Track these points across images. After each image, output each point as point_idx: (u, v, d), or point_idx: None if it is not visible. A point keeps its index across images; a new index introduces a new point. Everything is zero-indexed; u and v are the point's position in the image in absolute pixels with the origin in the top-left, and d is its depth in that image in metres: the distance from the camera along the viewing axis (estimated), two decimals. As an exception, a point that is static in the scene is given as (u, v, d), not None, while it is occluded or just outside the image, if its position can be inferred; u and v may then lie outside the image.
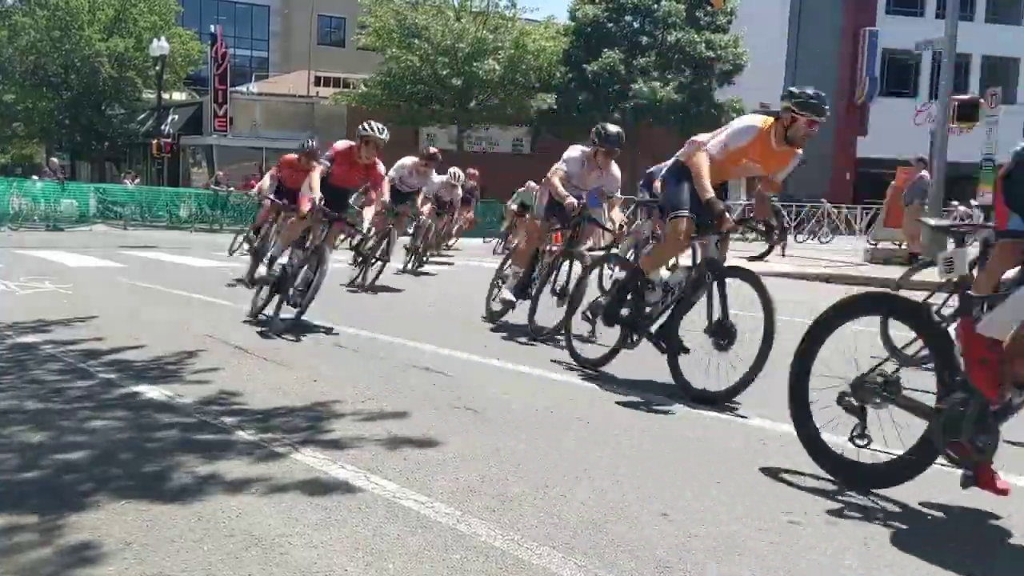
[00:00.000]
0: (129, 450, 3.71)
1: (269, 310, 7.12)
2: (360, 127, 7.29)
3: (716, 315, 4.90)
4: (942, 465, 3.31)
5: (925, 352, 3.42)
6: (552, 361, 6.02)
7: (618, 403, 4.88)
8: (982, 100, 16.79)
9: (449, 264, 14.84)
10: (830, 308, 3.69)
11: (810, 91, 4.86)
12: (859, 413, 3.44)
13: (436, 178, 12.51)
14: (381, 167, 7.45)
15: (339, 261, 12.09)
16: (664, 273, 5.45)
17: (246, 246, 11.92)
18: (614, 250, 7.23)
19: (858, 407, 3.45)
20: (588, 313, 5.91)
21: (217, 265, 13.03)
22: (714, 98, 31.67)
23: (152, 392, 4.74)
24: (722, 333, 4.84)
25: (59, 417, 4.18)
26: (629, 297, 5.48)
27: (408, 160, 11.11)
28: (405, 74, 29.86)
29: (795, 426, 3.75)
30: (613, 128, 6.93)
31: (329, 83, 35.67)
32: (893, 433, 3.40)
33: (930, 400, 3.31)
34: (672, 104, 29.72)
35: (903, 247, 17.00)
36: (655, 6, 31.64)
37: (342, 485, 3.34)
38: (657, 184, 6.80)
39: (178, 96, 36.53)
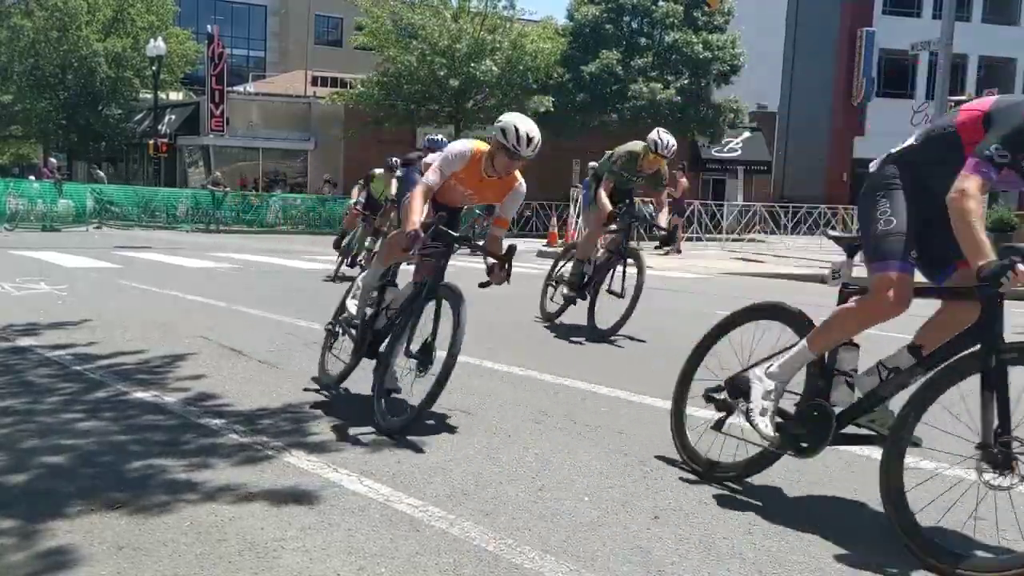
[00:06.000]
0: (121, 453, 3.70)
1: None
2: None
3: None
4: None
5: None
6: (546, 363, 6.02)
7: (613, 405, 4.87)
8: (978, 101, 16.82)
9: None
10: None
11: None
12: None
13: None
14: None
15: (321, 260, 12.18)
16: None
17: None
18: None
19: None
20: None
21: (213, 266, 13.02)
22: (712, 99, 31.69)
23: (144, 394, 4.73)
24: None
25: (50, 419, 4.17)
26: None
27: None
28: (402, 74, 29.83)
29: None
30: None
31: (326, 83, 35.65)
32: None
33: None
34: (670, 105, 29.71)
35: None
36: (654, 7, 31.63)
37: (335, 488, 3.33)
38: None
39: (175, 96, 36.47)
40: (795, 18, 40.63)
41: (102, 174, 29.07)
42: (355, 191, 11.72)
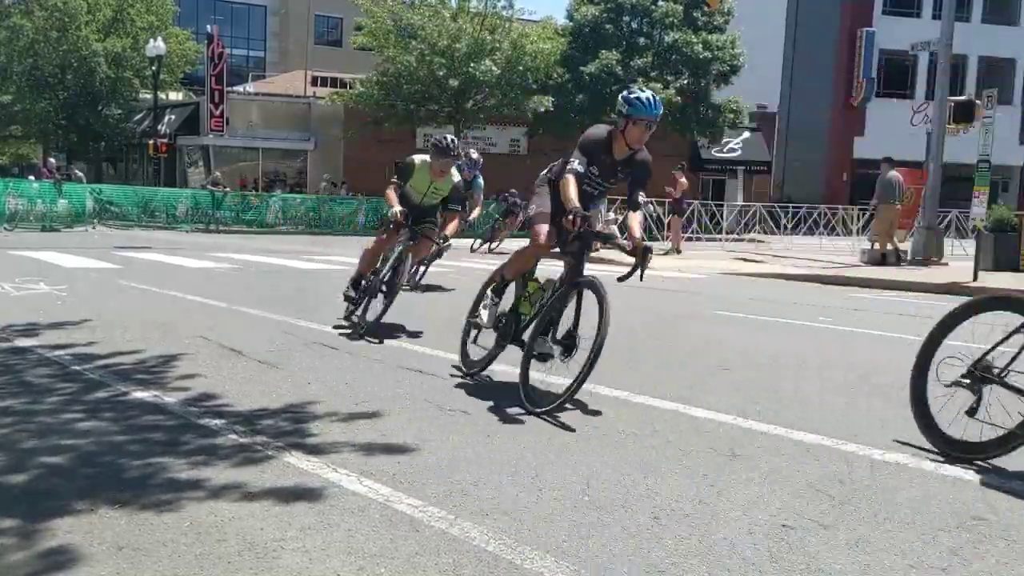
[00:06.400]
0: (121, 453, 3.70)
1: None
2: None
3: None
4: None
5: None
6: (546, 364, 6.00)
7: (614, 406, 4.87)
8: (978, 101, 16.82)
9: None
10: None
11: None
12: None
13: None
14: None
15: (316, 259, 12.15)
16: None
17: None
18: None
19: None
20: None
21: (213, 266, 13.02)
22: (712, 99, 31.71)
23: (144, 394, 4.73)
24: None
25: (50, 419, 4.17)
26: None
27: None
28: (402, 74, 29.85)
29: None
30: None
31: (326, 83, 35.67)
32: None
33: None
34: (670, 105, 29.75)
35: (901, 247, 17.02)
36: (653, 7, 31.65)
37: (335, 488, 3.33)
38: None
39: (175, 96, 36.50)
40: (795, 18, 40.66)
41: (80, 174, 28.97)
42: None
